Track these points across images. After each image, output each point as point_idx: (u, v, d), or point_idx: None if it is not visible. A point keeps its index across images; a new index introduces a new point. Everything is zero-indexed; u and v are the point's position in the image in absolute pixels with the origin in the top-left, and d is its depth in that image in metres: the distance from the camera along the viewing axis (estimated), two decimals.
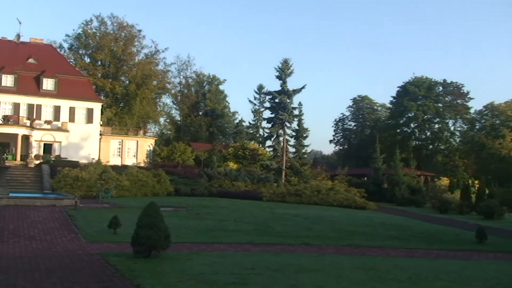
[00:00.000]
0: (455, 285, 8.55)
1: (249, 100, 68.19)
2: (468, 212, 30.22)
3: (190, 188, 34.52)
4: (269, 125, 46.77)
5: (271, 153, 46.39)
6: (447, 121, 71.81)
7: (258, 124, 65.26)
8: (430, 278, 9.13)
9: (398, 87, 71.99)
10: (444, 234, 17.93)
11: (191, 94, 70.69)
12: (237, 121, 70.44)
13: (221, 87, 73.59)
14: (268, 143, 48.35)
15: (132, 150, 47.62)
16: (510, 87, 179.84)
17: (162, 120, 69.71)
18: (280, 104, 44.46)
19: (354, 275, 9.14)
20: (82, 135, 43.78)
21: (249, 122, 66.70)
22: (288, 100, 44.36)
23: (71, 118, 43.60)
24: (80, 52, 59.24)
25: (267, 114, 51.47)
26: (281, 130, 44.85)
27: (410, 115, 69.58)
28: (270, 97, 47.70)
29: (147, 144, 49.17)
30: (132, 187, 30.79)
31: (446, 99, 70.84)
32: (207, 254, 11.28)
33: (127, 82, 58.70)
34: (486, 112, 68.44)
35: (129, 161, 45.66)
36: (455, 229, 19.74)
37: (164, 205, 21.70)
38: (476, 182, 42.83)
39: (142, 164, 44.16)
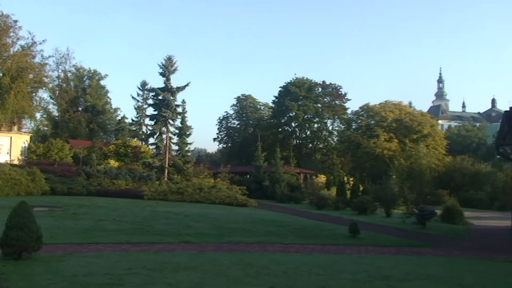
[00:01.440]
0: (328, 278, 8.82)
1: (132, 97, 66.81)
2: (344, 208, 31.56)
3: (67, 187, 33.12)
4: (152, 123, 46.05)
5: (154, 150, 45.68)
6: (326, 121, 74.92)
7: (141, 121, 64.11)
8: (305, 272, 9.36)
9: (280, 87, 74.09)
10: (320, 229, 18.56)
11: (70, 88, 67.77)
12: (119, 117, 68.70)
13: (102, 82, 71.48)
14: (151, 140, 47.54)
15: (6, 147, 44.97)
16: (384, 89, 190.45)
17: (38, 115, 66.07)
18: (163, 101, 43.86)
19: (231, 272, 9.17)
20: None
21: (132, 119, 65.39)
22: (171, 98, 43.88)
23: None
24: None
25: (150, 111, 50.63)
26: (164, 127, 44.28)
27: (291, 114, 71.67)
28: (153, 94, 46.96)
29: (21, 140, 46.56)
30: (3, 186, 28.95)
31: (325, 100, 73.81)
32: (83, 255, 10.82)
33: (1, 74, 55.07)
34: (362, 113, 71.98)
35: (2, 158, 43.04)
36: (330, 224, 20.48)
37: (38, 204, 20.67)
38: (352, 179, 44.90)
39: (16, 162, 41.70)
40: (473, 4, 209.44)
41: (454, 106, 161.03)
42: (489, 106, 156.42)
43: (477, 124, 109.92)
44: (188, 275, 8.69)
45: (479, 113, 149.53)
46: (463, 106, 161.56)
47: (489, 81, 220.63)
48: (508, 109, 12.68)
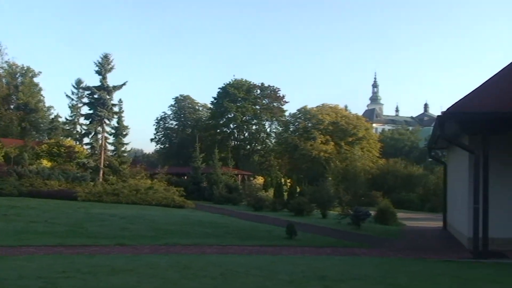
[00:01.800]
0: (265, 279, 8.81)
1: (66, 95, 64.97)
2: (281, 209, 31.75)
3: None
4: (87, 122, 44.81)
5: (89, 151, 44.50)
6: (264, 122, 75.39)
7: (76, 120, 62.44)
8: (242, 273, 9.32)
9: (219, 88, 73.86)
10: (257, 230, 18.58)
11: (2, 85, 65.15)
12: (52, 116, 66.63)
13: (35, 80, 69.11)
14: (86, 140, 46.26)
15: None
16: (321, 93, 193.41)
17: None
18: (99, 100, 42.76)
19: (168, 274, 9.01)
20: None
21: (66, 118, 63.59)
22: (108, 96, 42.85)
23: None
24: None
25: (85, 110, 49.28)
26: (99, 127, 43.17)
27: (229, 116, 71.70)
28: (88, 92, 45.65)
29: None
30: None
31: (264, 102, 74.23)
32: (14, 258, 10.40)
33: None
34: (299, 115, 72.95)
35: None
36: (267, 226, 20.53)
37: None
38: (289, 180, 45.34)
39: None
40: (407, 11, 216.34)
41: (388, 110, 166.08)
42: (422, 111, 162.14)
43: (410, 128, 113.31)
44: (123, 278, 8.48)
45: (412, 117, 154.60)
46: (397, 110, 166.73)
47: (421, 87, 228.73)
48: (440, 113, 13.05)
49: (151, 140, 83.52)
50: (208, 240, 15.42)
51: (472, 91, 13.41)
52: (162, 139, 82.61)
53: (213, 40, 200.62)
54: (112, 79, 47.78)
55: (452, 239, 17.73)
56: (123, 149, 43.55)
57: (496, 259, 11.94)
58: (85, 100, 48.66)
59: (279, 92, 74.56)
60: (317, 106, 73.20)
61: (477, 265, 11.26)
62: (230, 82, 73.55)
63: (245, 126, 73.80)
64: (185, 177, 46.76)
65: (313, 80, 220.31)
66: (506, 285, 8.88)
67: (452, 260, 12.08)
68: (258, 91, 74.34)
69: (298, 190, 34.75)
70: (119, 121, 43.90)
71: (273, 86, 74.60)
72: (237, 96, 70.97)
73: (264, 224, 21.22)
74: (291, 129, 73.93)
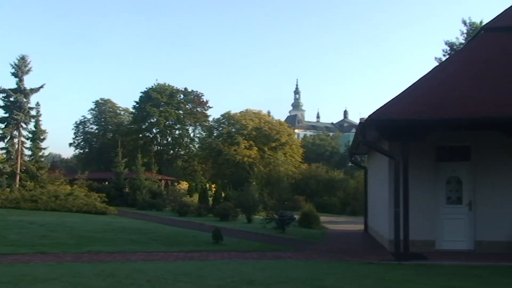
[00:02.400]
0: (193, 285, 8.73)
1: None
2: (206, 214, 31.68)
3: None
4: (3, 126, 42.85)
5: (4, 155, 42.52)
6: (188, 127, 74.83)
7: None
8: (170, 280, 9.20)
9: (141, 92, 72.49)
10: (183, 236, 18.40)
11: None
12: None
13: None
14: (1, 145, 44.24)
15: None
16: (245, 99, 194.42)
17: None
18: (15, 103, 40.97)
19: (93, 283, 8.75)
20: None
21: None
22: (24, 100, 41.15)
23: None
24: None
25: (0, 113, 47.07)
26: (16, 131, 41.37)
27: (152, 120, 70.68)
28: (4, 95, 43.64)
29: None
30: None
31: (187, 106, 73.65)
32: None
33: None
34: (223, 120, 72.98)
35: None
36: (193, 231, 20.38)
37: None
38: (213, 185, 45.28)
39: None
40: (327, 21, 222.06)
41: (309, 117, 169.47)
42: (342, 117, 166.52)
43: (331, 134, 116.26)
44: (46, 287, 8.17)
45: (332, 123, 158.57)
46: (318, 117, 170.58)
47: (341, 94, 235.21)
48: (361, 120, 13.47)
49: (70, 144, 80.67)
50: (133, 247, 15.11)
51: (393, 99, 13.89)
52: (82, 143, 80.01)
53: (134, 44, 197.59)
54: (29, 82, 45.94)
55: (374, 241, 18.29)
56: (40, 154, 41.82)
57: (417, 260, 12.42)
58: (0, 103, 46.50)
59: (202, 97, 74.33)
60: (241, 112, 73.54)
61: (399, 267, 11.66)
62: (152, 86, 72.37)
63: (168, 131, 72.93)
64: (107, 183, 45.67)
65: (236, 86, 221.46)
66: (426, 285, 9.24)
67: (374, 262, 12.45)
68: (182, 96, 73.68)
69: (223, 195, 34.77)
70: (37, 125, 42.20)
71: (197, 91, 74.26)
72: (159, 101, 70.00)
73: (189, 230, 21.06)
74: (214, 134, 73.83)
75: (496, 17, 17.59)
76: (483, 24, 20.31)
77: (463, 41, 39.50)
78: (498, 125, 12.71)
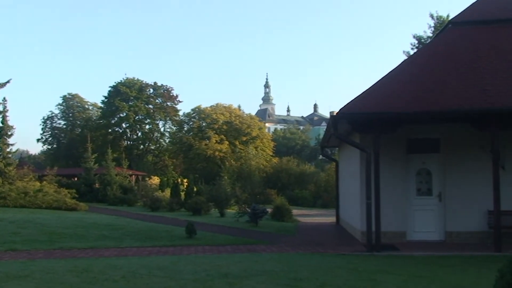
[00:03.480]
0: (169, 280, 8.73)
1: None
2: (178, 209, 31.59)
3: None
4: None
5: None
6: (158, 122, 74.29)
7: None
8: (144, 275, 9.18)
9: (110, 87, 71.63)
10: (156, 231, 18.32)
11: None
12: None
13: None
14: None
15: None
16: (215, 93, 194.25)
17: None
18: None
19: (67, 279, 8.68)
20: None
21: None
22: None
23: None
24: None
25: None
26: None
27: (121, 115, 69.98)
28: None
29: None
30: None
31: (157, 101, 73.10)
32: None
33: None
34: (193, 115, 72.74)
35: None
36: (166, 226, 20.31)
37: None
38: (185, 180, 45.15)
39: None
40: (295, 14, 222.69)
41: (279, 110, 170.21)
42: (312, 111, 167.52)
43: (301, 128, 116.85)
44: (20, 284, 8.06)
45: (302, 117, 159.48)
46: (288, 110, 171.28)
47: (311, 88, 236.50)
48: (332, 114, 13.63)
49: (38, 140, 79.44)
50: (105, 242, 15.00)
51: (363, 92, 14.05)
52: (50, 139, 78.80)
53: (102, 38, 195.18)
54: None
55: (346, 233, 18.51)
56: (8, 150, 41.07)
57: (389, 251, 12.64)
58: None
59: (172, 91, 73.76)
60: (211, 106, 73.40)
61: (371, 258, 11.85)
62: (121, 80, 71.62)
63: (138, 126, 72.36)
64: (76, 179, 45.14)
65: (206, 80, 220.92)
66: (399, 275, 9.42)
67: (347, 253, 12.63)
68: (151, 90, 73.06)
69: (195, 189, 34.70)
70: (3, 120, 41.38)
71: (166, 85, 73.72)
72: (129, 95, 69.34)
73: (162, 225, 20.98)
74: (185, 128, 73.57)
75: (463, 11, 17.92)
76: (450, 18, 20.62)
77: (430, 35, 40.08)
78: (467, 117, 12.97)
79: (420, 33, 42.75)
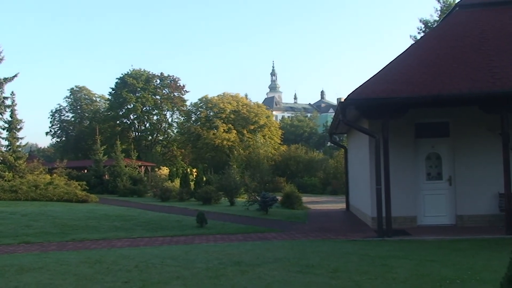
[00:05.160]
0: (181, 269, 8.77)
1: None
2: (188, 199, 31.75)
3: None
4: None
5: None
6: (165, 112, 74.47)
7: None
8: (157, 264, 9.23)
9: (116, 78, 71.82)
10: (167, 221, 18.42)
11: None
12: None
13: None
14: None
15: None
16: (222, 82, 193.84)
17: None
18: None
19: (80, 270, 8.74)
20: None
21: None
22: None
23: None
24: None
25: None
26: None
27: (129, 106, 70.21)
28: None
29: None
30: None
31: (164, 91, 73.21)
32: None
33: None
34: (201, 104, 72.74)
35: None
36: (177, 216, 20.42)
37: None
38: (194, 170, 45.27)
39: None
40: (302, 1, 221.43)
41: (286, 98, 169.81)
42: (319, 98, 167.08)
43: (308, 115, 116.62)
44: (34, 276, 8.12)
45: (309, 104, 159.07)
46: (295, 98, 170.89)
47: (318, 75, 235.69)
48: (335, 100, 13.56)
49: (47, 133, 79.89)
50: (117, 233, 15.11)
51: (371, 78, 13.97)
52: (58, 132, 79.23)
53: (109, 30, 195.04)
54: (3, 71, 45.25)
55: (357, 219, 18.51)
56: (18, 143, 41.31)
57: (400, 236, 12.63)
58: None
59: (179, 81, 73.87)
60: (218, 95, 73.38)
61: (383, 243, 11.85)
62: (128, 72, 71.76)
63: (145, 117, 72.61)
64: (86, 171, 45.39)
65: (213, 69, 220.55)
66: (411, 260, 9.41)
67: (359, 239, 12.63)
68: (158, 81, 73.22)
69: (204, 179, 34.80)
70: (12, 114, 41.56)
71: (173, 75, 73.80)
72: (136, 86, 69.52)
73: (173, 215, 21.10)
74: (193, 118, 73.66)
75: None
76: (457, 0, 20.43)
77: (437, 19, 39.75)
78: (476, 100, 12.88)
79: (427, 17, 42.43)
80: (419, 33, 41.45)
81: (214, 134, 66.76)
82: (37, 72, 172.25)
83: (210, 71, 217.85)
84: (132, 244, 12.87)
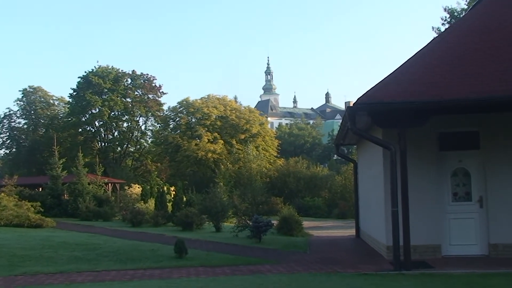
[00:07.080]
0: None
1: None
2: (165, 223, 31.69)
3: None
4: None
5: None
6: (138, 118, 74.18)
7: None
8: None
9: (79, 77, 71.41)
10: (139, 250, 18.36)
11: None
12: None
13: None
14: None
15: None
16: (204, 83, 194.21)
17: None
18: None
19: None
20: None
21: None
22: None
23: None
24: None
25: None
26: None
27: (94, 111, 69.95)
28: None
29: None
30: None
31: (136, 93, 72.92)
32: None
33: None
34: (181, 109, 72.58)
35: None
36: (151, 244, 20.36)
37: None
38: (172, 188, 45.20)
39: None
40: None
41: (284, 102, 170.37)
42: (323, 102, 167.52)
43: (311, 122, 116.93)
44: None
45: (312, 109, 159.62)
46: (295, 101, 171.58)
47: (322, 74, 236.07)
48: (343, 104, 13.57)
49: None
50: (78, 265, 15.03)
51: (385, 78, 14.02)
52: (8, 142, 78.79)
53: (69, 20, 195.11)
54: None
55: (369, 248, 18.52)
56: None
57: (421, 269, 12.63)
58: None
59: (154, 81, 73.59)
60: (202, 98, 73.38)
61: (400, 278, 11.84)
62: (93, 70, 71.43)
63: (114, 124, 72.28)
64: (41, 189, 45.23)
65: (195, 67, 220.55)
66: None
67: (371, 273, 12.63)
68: (129, 81, 73.03)
69: (184, 199, 34.76)
70: None
71: (147, 74, 73.49)
72: (102, 87, 69.29)
73: (146, 243, 21.04)
74: (171, 126, 73.61)
75: None
76: None
77: (465, 7, 40.05)
78: (511, 105, 12.94)
79: (453, 5, 42.74)
80: (443, 24, 41.74)
81: (196, 144, 66.73)
82: None
83: (192, 70, 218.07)
84: (96, 278, 12.80)
